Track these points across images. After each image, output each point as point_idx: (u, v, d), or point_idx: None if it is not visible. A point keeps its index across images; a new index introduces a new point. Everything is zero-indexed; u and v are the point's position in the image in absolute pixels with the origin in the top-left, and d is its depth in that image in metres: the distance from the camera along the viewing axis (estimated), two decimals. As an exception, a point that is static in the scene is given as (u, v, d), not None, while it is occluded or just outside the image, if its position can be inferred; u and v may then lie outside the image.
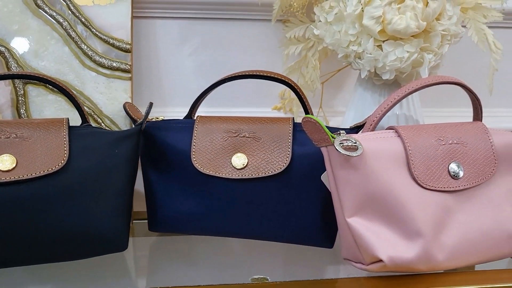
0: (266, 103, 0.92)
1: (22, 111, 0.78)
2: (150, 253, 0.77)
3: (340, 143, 0.59)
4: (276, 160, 0.69)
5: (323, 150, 0.62)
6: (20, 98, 0.77)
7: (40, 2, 0.78)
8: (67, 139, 0.65)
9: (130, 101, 0.80)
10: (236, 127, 0.71)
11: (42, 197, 0.62)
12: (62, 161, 0.63)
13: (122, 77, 0.80)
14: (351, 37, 0.71)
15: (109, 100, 0.80)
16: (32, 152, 0.63)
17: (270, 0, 0.83)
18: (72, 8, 0.79)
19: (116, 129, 0.79)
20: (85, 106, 0.79)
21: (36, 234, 0.62)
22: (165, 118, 0.75)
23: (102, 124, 0.80)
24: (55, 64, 0.78)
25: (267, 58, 0.91)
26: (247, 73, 0.75)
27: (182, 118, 0.77)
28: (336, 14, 0.72)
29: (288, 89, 0.92)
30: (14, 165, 0.62)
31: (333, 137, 0.60)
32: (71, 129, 0.66)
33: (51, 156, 0.63)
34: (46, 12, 0.78)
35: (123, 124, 0.80)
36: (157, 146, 0.71)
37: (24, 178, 0.61)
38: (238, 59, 0.91)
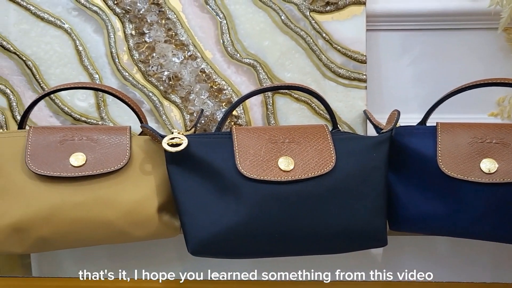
0: (481, 110, 0.94)
1: (271, 118, 0.86)
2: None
3: None
4: (528, 165, 0.71)
5: None
6: (269, 107, 0.86)
7: (286, 20, 0.86)
8: (332, 143, 0.72)
9: (366, 108, 0.86)
10: (482, 134, 0.74)
11: (316, 195, 0.69)
12: (331, 164, 0.70)
13: (359, 86, 0.87)
14: None
15: (347, 107, 0.86)
16: (305, 155, 0.70)
17: (489, 9, 0.85)
18: (314, 24, 0.86)
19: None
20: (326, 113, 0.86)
21: (310, 228, 0.69)
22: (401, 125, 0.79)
23: (341, 130, 0.85)
24: (299, 75, 0.86)
25: (484, 66, 0.93)
26: (488, 81, 0.78)
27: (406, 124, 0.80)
28: None
29: (508, 96, 0.94)
30: (292, 166, 0.69)
31: None
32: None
33: (322, 159, 0.70)
34: (291, 28, 0.86)
35: (360, 130, 0.86)
36: (399, 150, 0.76)
37: (301, 178, 0.68)
38: (455, 68, 0.93)
